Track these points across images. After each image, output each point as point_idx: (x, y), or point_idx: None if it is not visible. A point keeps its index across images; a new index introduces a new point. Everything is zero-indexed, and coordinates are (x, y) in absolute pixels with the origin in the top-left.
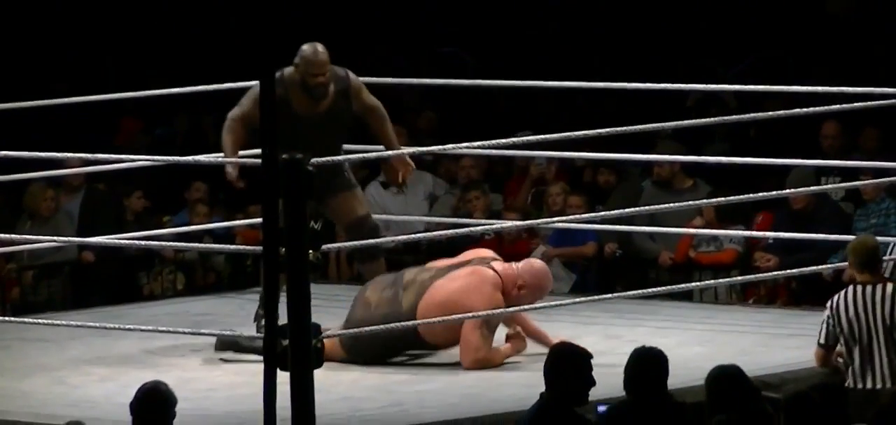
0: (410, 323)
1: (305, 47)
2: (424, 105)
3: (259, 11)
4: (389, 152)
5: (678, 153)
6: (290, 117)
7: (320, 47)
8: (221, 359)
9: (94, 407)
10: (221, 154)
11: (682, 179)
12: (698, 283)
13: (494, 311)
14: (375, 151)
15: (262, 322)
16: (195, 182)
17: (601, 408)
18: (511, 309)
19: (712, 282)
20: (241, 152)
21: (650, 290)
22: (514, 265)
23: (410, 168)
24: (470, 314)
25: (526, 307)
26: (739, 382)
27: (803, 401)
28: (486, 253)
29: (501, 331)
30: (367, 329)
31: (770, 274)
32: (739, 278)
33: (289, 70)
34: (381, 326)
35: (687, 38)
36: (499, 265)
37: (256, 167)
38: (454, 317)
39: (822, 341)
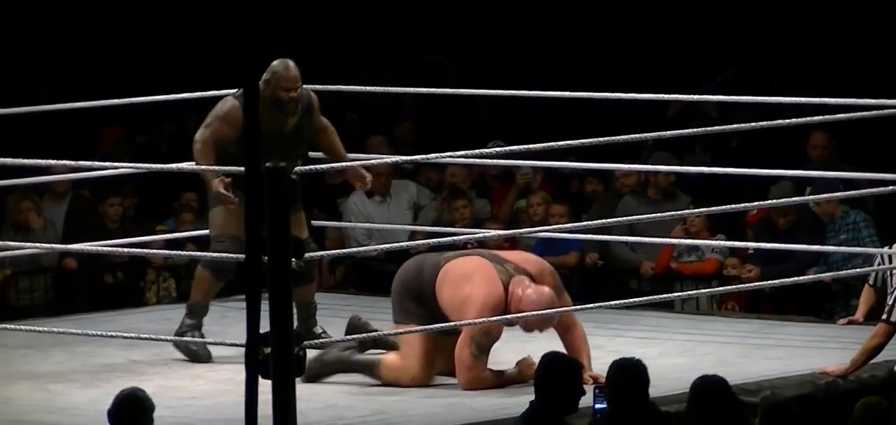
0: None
1: (276, 63)
2: (407, 114)
3: (243, 20)
4: (374, 162)
5: (666, 164)
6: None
7: (291, 63)
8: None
9: (77, 413)
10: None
11: (667, 190)
12: (680, 294)
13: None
14: (361, 160)
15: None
16: (183, 191)
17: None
18: (509, 317)
19: (694, 292)
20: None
21: (632, 301)
22: (526, 289)
23: (367, 179)
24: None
25: (511, 317)
26: (723, 393)
27: (781, 410)
28: (527, 262)
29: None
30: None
31: (749, 285)
32: (721, 289)
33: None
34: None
35: (670, 49)
36: (515, 285)
37: (239, 175)
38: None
39: (893, 318)
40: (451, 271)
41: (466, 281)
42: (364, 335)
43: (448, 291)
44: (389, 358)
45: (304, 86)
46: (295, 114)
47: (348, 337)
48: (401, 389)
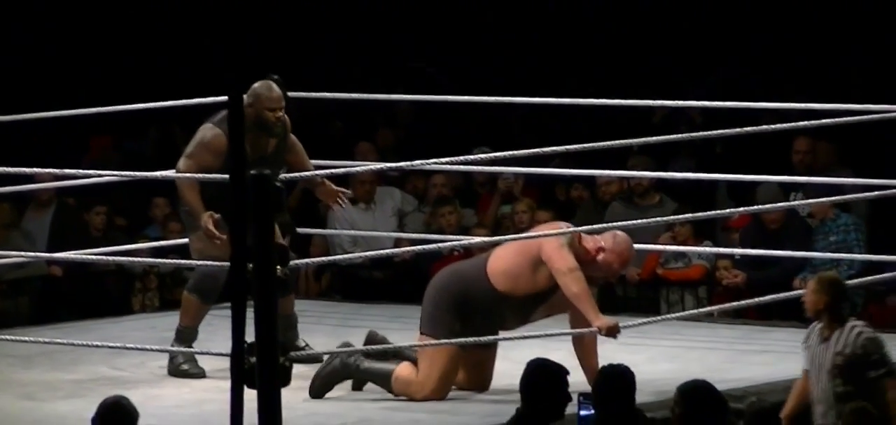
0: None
1: (258, 85)
2: (391, 120)
3: (230, 28)
4: (357, 169)
5: (648, 169)
6: None
7: (274, 84)
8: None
9: (62, 422)
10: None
11: (651, 196)
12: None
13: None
14: (344, 167)
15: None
16: (163, 198)
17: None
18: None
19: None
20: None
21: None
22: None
23: (339, 193)
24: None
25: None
26: (710, 396)
27: (767, 416)
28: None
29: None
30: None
31: (739, 303)
32: (717, 306)
33: None
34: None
35: (654, 54)
36: (584, 237)
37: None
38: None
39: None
40: (504, 248)
41: (530, 242)
42: (368, 348)
43: (512, 251)
44: (404, 371)
45: (290, 93)
46: (280, 135)
47: (343, 350)
48: (389, 396)
